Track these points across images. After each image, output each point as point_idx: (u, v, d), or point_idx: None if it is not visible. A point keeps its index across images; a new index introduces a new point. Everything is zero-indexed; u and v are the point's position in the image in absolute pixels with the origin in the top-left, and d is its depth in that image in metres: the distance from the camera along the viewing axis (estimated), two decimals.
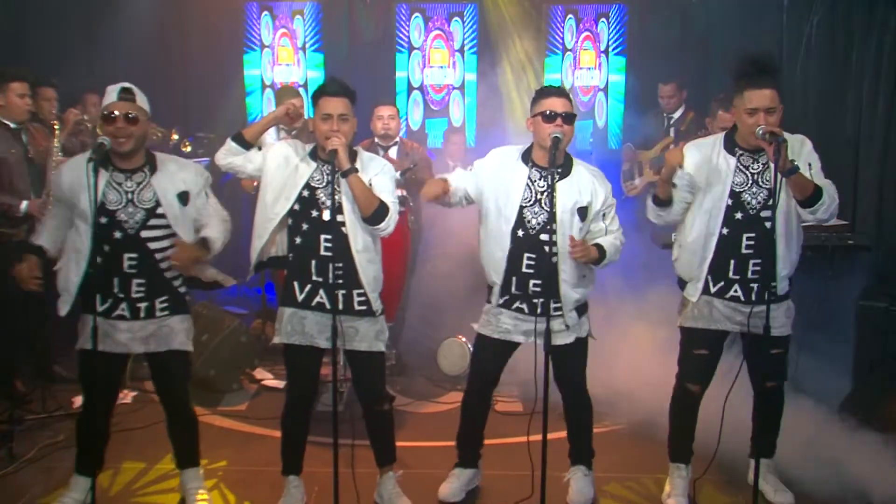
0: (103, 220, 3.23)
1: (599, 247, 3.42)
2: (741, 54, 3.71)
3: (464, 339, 5.09)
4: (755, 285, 3.43)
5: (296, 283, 3.40)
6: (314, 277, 3.37)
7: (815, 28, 5.48)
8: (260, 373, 5.23)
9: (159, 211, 3.31)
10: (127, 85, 3.28)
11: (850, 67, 5.29)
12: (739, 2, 6.20)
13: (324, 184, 3.32)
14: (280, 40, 7.01)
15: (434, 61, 6.94)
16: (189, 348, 3.47)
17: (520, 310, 3.52)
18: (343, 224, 3.33)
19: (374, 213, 3.28)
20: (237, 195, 5.82)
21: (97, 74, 6.34)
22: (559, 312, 3.47)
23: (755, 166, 3.40)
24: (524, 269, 3.45)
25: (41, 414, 4.45)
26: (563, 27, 6.88)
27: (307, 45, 7.00)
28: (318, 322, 3.37)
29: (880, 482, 3.63)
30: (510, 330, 3.55)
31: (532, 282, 3.46)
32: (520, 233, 3.43)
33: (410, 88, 6.93)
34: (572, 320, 3.51)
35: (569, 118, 3.35)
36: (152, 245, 3.30)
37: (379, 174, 3.40)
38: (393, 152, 5.26)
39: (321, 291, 3.36)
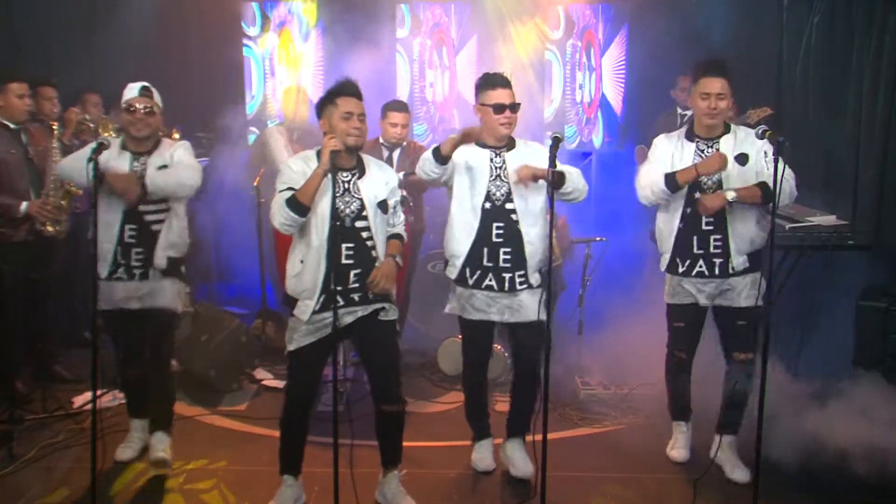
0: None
1: (560, 172, 3.48)
2: (703, 57, 4.15)
3: None
4: (717, 260, 3.81)
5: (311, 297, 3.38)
6: (332, 286, 3.31)
7: (815, 28, 5.48)
8: (260, 373, 5.22)
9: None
10: (146, 84, 3.80)
11: (850, 67, 5.28)
12: (739, 1, 6.19)
13: (340, 192, 3.29)
14: (280, 40, 7.00)
15: (434, 62, 6.93)
16: (176, 308, 3.88)
17: (489, 287, 3.71)
18: (364, 230, 3.35)
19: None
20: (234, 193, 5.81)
21: (97, 74, 6.33)
22: (524, 286, 3.69)
23: (709, 152, 3.80)
24: (494, 239, 3.68)
25: (41, 414, 4.44)
26: (562, 27, 6.87)
27: (306, 45, 6.99)
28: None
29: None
30: (485, 310, 3.75)
31: (502, 250, 3.68)
32: (487, 205, 3.68)
33: (410, 88, 6.91)
34: (536, 280, 3.72)
35: (514, 108, 3.68)
36: (147, 217, 3.76)
37: (397, 201, 3.51)
38: (396, 153, 5.24)
39: (338, 297, 3.32)
